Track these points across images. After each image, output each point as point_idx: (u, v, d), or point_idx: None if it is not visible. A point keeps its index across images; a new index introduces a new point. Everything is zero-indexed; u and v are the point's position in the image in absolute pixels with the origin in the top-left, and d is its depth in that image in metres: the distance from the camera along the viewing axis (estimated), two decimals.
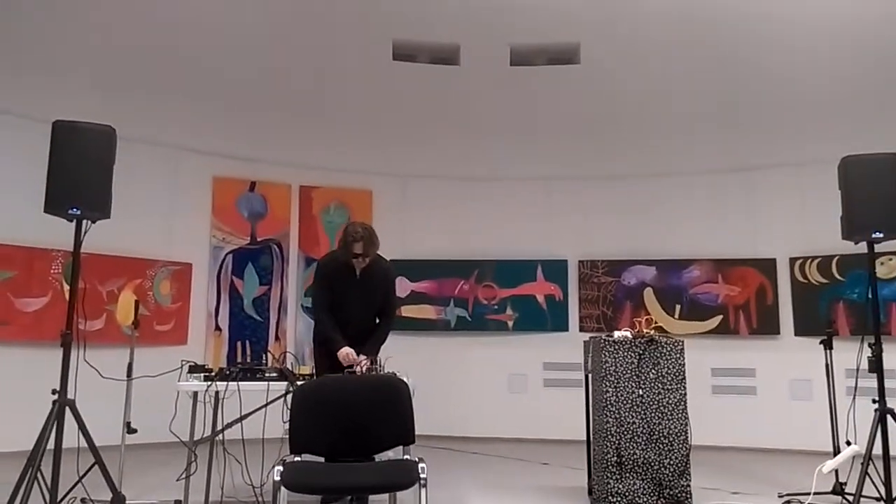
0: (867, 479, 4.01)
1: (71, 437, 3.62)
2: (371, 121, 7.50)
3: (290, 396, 3.50)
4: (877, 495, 4.13)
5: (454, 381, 7.20)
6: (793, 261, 6.95)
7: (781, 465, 5.75)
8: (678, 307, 7.24)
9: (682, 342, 4.33)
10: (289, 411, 3.18)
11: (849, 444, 4.25)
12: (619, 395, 4.24)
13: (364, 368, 3.83)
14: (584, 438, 4.69)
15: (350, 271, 4.20)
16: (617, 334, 4.39)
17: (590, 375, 4.57)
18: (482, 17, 7.02)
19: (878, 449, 4.11)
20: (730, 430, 6.56)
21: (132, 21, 6.38)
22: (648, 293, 7.33)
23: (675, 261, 7.29)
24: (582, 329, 7.33)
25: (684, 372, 4.28)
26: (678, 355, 4.30)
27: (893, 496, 4.08)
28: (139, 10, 6.39)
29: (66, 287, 5.86)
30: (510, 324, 7.50)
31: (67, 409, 3.67)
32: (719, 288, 7.18)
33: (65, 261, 6.05)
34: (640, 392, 4.23)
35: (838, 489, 4.32)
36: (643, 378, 4.25)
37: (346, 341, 4.08)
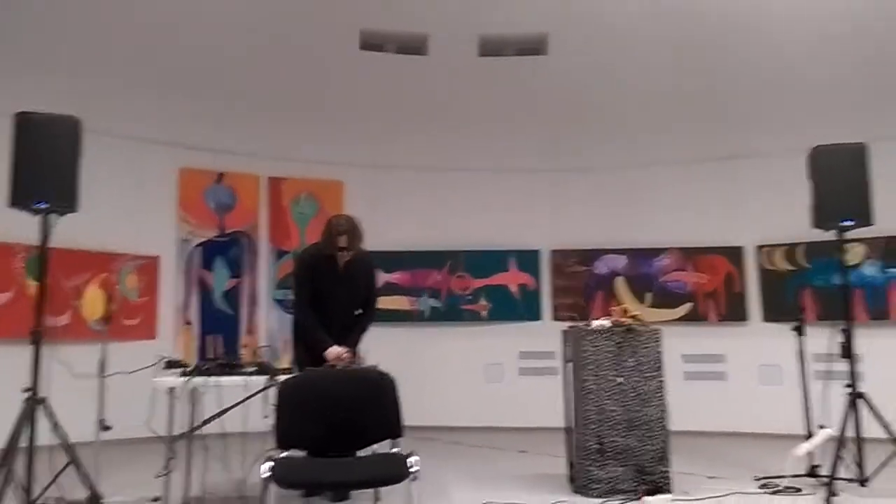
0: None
1: (44, 434, 3.53)
2: (340, 111, 7.39)
3: (270, 391, 3.45)
4: (849, 477, 4.24)
5: (430, 371, 7.17)
6: (760, 248, 7.08)
7: (753, 448, 5.85)
8: (648, 295, 7.33)
9: (660, 330, 4.39)
10: (269, 406, 3.13)
11: (822, 427, 4.36)
12: (598, 383, 4.27)
13: (346, 362, 3.79)
14: (562, 426, 4.72)
15: (333, 264, 4.13)
16: (595, 323, 4.42)
17: (570, 364, 4.59)
18: (450, 6, 6.96)
19: (849, 431, 4.24)
20: (702, 415, 6.65)
21: (93, 11, 6.18)
22: (619, 282, 7.40)
23: (645, 249, 7.37)
24: (555, 318, 7.37)
25: (662, 359, 4.33)
26: (655, 343, 4.35)
27: (866, 477, 4.20)
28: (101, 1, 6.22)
29: (30, 283, 5.68)
30: (484, 313, 7.50)
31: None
32: (688, 276, 7.28)
33: (28, 255, 5.85)
34: (620, 380, 4.27)
35: (812, 472, 4.42)
36: (622, 366, 4.29)
37: (332, 340, 4.01)
